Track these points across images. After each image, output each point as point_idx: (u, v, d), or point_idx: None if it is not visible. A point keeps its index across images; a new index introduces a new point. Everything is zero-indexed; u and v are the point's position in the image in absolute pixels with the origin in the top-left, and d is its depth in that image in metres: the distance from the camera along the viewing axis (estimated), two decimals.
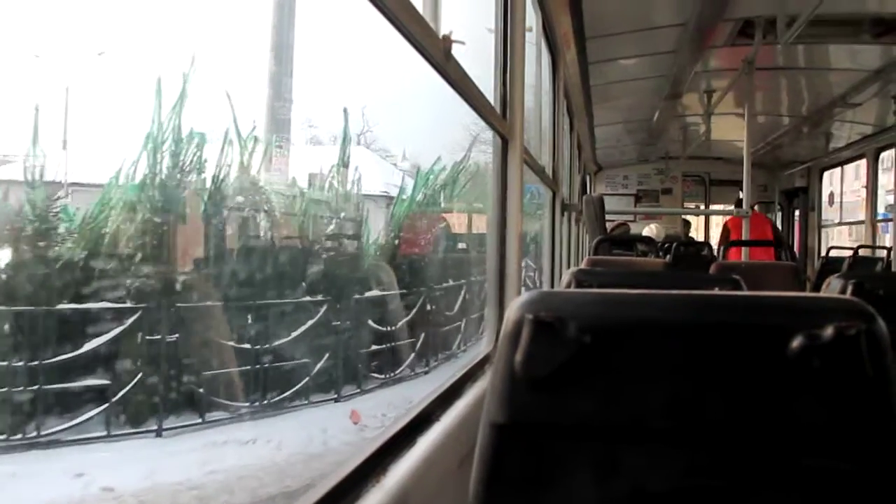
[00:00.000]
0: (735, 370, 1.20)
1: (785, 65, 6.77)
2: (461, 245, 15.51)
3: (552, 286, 5.25)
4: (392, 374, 11.81)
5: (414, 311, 12.61)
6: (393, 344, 11.89)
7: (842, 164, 10.84)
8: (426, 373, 12.39)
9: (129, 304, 8.35)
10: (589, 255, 6.46)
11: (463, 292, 14.34)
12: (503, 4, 2.91)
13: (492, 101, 2.72)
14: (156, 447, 7.97)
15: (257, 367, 9.44)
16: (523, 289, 3.29)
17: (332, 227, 11.55)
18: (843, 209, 11.63)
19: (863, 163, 9.64)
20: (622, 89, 7.71)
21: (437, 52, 1.91)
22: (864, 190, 9.58)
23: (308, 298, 10.60)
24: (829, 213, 11.87)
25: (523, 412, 1.23)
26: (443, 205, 14.32)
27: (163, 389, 8.35)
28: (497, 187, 2.88)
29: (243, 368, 9.23)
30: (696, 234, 13.61)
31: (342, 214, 11.75)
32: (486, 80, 2.77)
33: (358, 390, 10.91)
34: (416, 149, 15.15)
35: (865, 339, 1.14)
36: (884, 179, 9.32)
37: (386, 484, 1.40)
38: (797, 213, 12.73)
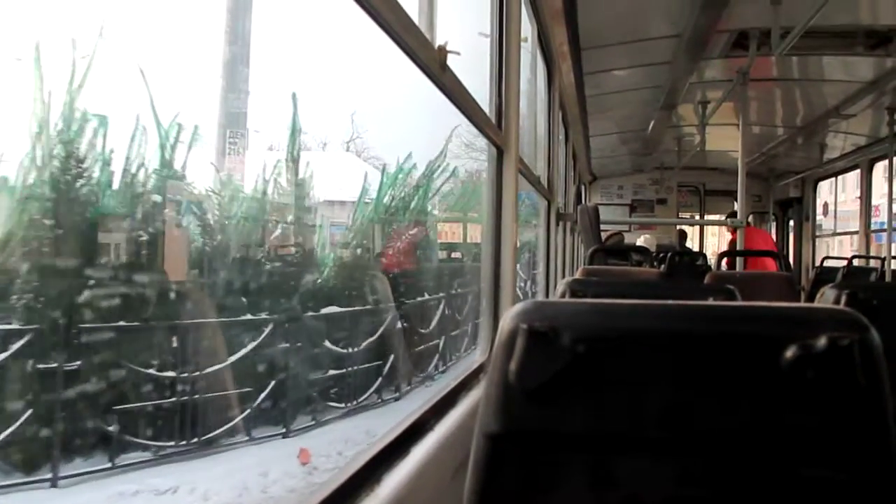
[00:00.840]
0: (729, 380, 1.20)
1: (779, 76, 6.79)
2: (440, 254, 14.14)
3: (547, 296, 5.25)
4: (355, 403, 10.45)
5: (382, 328, 11.16)
6: (356, 367, 10.50)
7: (836, 174, 10.88)
8: (397, 399, 11.12)
9: (14, 325, 6.82)
10: (584, 264, 6.47)
11: (442, 307, 13.07)
12: (498, 16, 2.92)
13: (487, 111, 2.73)
14: (48, 500, 6.60)
15: (184, 398, 7.91)
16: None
17: (277, 233, 10.16)
18: (837, 219, 11.68)
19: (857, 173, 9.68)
20: (617, 100, 7.72)
21: (432, 62, 1.92)
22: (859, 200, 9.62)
23: (249, 316, 9.11)
24: (824, 224, 11.92)
25: (517, 422, 1.23)
26: (417, 208, 13.02)
27: (61, 428, 6.83)
28: (492, 197, 2.88)
29: (167, 400, 7.80)
30: (693, 243, 13.63)
31: (289, 219, 10.32)
32: (482, 90, 2.78)
33: (312, 422, 9.55)
34: (412, 156, 14.16)
35: (859, 350, 1.14)
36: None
37: (380, 494, 1.40)
38: (791, 223, 12.77)
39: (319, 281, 10.83)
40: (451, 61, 2.05)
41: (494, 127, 2.77)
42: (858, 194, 9.70)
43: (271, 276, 9.72)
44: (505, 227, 2.86)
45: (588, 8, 4.62)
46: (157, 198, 8.42)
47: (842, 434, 1.17)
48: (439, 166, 13.34)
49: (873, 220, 9.83)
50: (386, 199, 12.36)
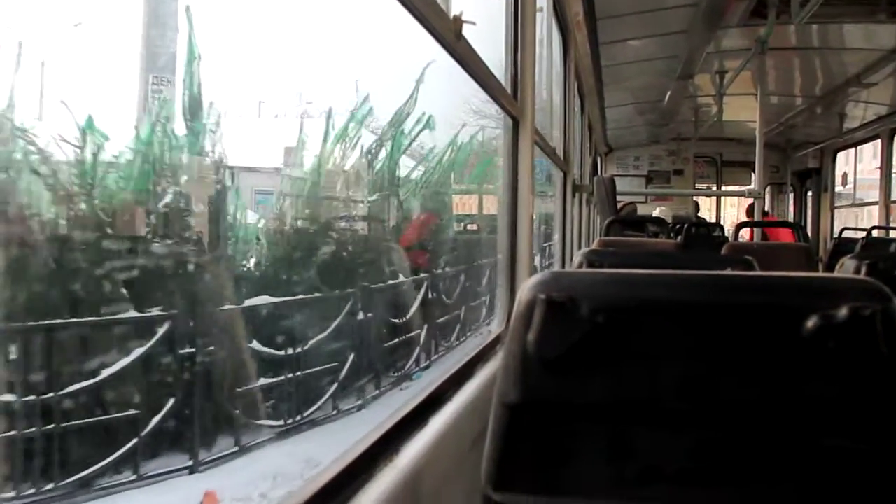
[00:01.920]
0: (748, 350, 1.20)
1: (798, 45, 6.71)
2: (424, 228, 11.97)
3: (563, 267, 5.25)
4: (298, 418, 8.31)
5: (339, 321, 9.08)
6: (301, 372, 8.39)
7: (855, 144, 10.77)
8: (360, 408, 9.10)
9: None
10: (600, 235, 6.46)
11: (424, 289, 11.12)
12: None
13: (503, 81, 2.71)
14: None
15: (33, 429, 5.83)
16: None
17: (167, 199, 7.62)
18: (857, 189, 11.57)
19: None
20: (633, 70, 7.66)
21: (447, 32, 1.90)
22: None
23: (134, 314, 6.97)
24: (842, 194, 11.82)
25: (536, 392, 1.23)
26: (383, 169, 10.86)
27: None
28: (508, 169, 2.87)
29: (7, 434, 5.72)
30: (710, 214, 13.56)
31: (183, 181, 7.83)
32: (498, 60, 2.75)
33: (234, 449, 7.43)
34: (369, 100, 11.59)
35: (881, 320, 1.14)
36: None
37: (399, 464, 1.41)
38: (809, 194, 12.68)
39: (244, 264, 8.80)
40: (466, 31, 2.03)
41: (510, 97, 2.75)
42: (878, 164, 9.60)
43: (164, 258, 7.47)
44: (521, 197, 2.85)
45: None
46: None
47: (863, 404, 1.16)
48: (408, 113, 10.99)
49: None
50: (336, 157, 10.07)
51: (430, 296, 11.32)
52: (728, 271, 2.20)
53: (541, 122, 3.85)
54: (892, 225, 9.07)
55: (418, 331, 10.71)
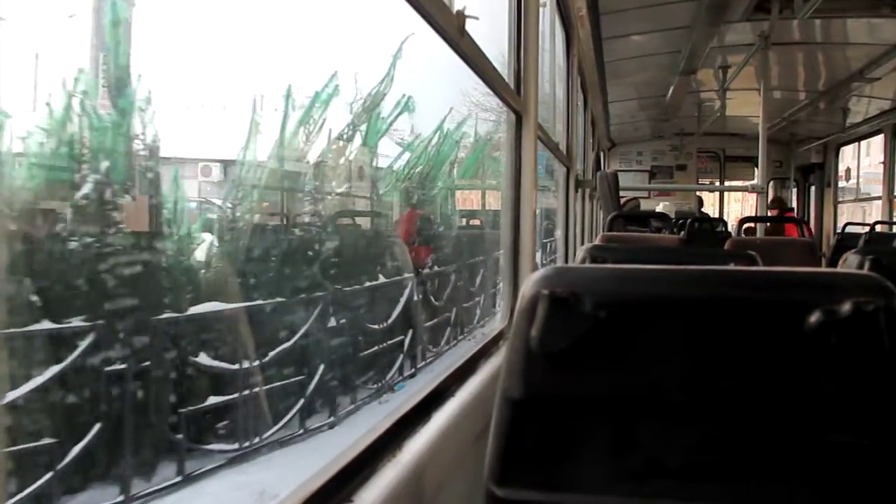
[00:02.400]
0: (751, 345, 1.20)
1: (802, 39, 6.69)
2: (386, 221, 10.97)
3: (566, 262, 5.25)
4: (254, 441, 7.34)
5: (306, 328, 8.19)
6: (257, 389, 7.45)
7: (859, 139, 10.75)
8: (332, 425, 8.27)
9: None
10: (603, 231, 6.46)
11: (409, 290, 10.24)
12: None
13: (505, 76, 2.71)
14: None
15: None
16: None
17: (86, 190, 6.50)
18: (860, 184, 11.57)
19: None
20: (636, 65, 7.65)
21: (451, 27, 1.90)
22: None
23: (49, 324, 6.03)
24: (846, 189, 11.81)
25: (539, 387, 1.24)
26: (359, 161, 9.94)
27: None
28: (511, 164, 2.87)
29: None
30: (713, 210, 13.56)
31: (103, 168, 6.71)
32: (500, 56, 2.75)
33: (177, 479, 6.57)
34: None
35: (884, 315, 1.14)
36: None
37: (402, 459, 1.41)
38: (813, 189, 12.67)
39: (189, 265, 7.74)
40: (469, 26, 2.03)
41: (513, 92, 2.75)
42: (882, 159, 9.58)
43: (87, 259, 6.51)
44: (524, 193, 2.85)
45: None
46: None
47: (865, 399, 1.17)
48: (384, 93, 9.85)
49: None
50: (300, 142, 9.16)
51: (415, 297, 10.48)
52: (731, 267, 2.20)
53: (544, 118, 3.85)
54: (895, 220, 9.06)
55: (401, 336, 9.94)
